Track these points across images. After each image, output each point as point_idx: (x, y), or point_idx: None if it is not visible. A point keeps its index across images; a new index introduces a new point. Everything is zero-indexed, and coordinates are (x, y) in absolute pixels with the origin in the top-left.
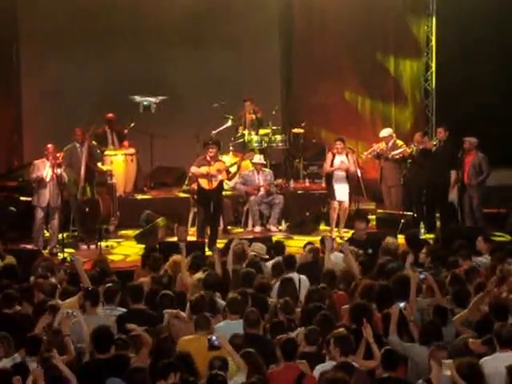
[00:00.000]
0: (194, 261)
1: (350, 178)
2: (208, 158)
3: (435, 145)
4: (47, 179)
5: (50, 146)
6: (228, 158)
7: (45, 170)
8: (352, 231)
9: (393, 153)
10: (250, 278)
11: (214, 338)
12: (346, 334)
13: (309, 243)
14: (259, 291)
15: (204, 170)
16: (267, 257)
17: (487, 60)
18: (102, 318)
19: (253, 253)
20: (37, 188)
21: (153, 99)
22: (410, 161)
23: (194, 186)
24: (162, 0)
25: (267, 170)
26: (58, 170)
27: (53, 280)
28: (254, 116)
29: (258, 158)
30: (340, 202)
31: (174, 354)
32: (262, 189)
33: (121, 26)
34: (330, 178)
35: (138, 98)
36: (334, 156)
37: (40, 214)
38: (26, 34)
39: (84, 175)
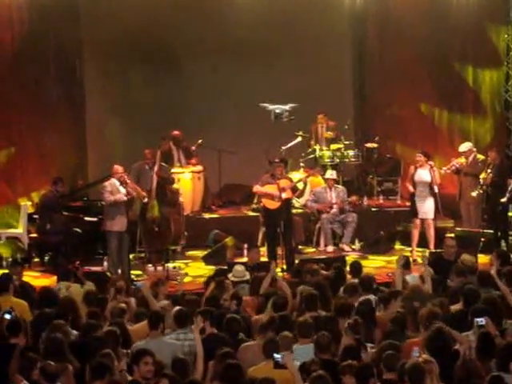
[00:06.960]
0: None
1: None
2: (273, 176)
3: None
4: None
5: (120, 167)
6: (298, 175)
7: (120, 192)
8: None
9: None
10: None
11: (278, 356)
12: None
13: None
14: (339, 313)
15: (268, 188)
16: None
17: None
18: (167, 343)
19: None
20: (112, 212)
21: (285, 107)
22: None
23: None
24: (230, 12)
25: (340, 186)
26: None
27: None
28: (330, 133)
29: (330, 174)
30: (423, 220)
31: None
32: (334, 206)
33: (187, 40)
34: (412, 194)
35: (269, 106)
36: (415, 170)
37: (116, 240)
38: (90, 51)
39: (155, 194)
